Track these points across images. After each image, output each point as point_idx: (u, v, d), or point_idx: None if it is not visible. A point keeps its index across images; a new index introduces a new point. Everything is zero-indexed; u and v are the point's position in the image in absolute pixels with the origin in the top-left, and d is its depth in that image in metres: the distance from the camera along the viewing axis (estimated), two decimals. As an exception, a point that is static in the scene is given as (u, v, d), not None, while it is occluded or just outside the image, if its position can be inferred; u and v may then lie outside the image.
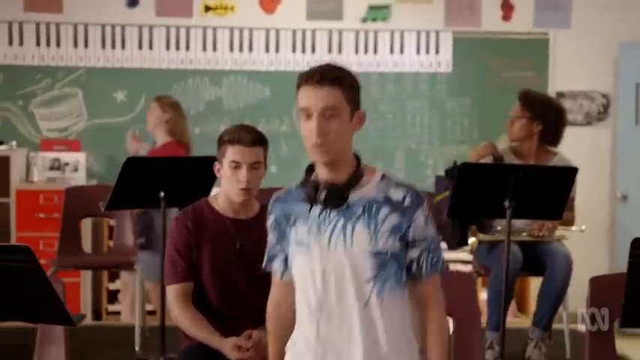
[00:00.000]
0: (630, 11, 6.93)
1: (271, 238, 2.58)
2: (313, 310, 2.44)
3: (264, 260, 2.61)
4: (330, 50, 6.86)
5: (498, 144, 4.95)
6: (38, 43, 6.73)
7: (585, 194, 5.13)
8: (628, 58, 6.83)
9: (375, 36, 6.93)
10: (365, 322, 2.40)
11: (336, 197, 2.40)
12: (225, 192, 3.30)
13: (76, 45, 6.76)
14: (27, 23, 6.73)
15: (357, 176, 2.43)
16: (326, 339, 2.43)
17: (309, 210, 2.44)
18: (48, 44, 6.74)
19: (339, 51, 6.89)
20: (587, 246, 5.48)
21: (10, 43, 6.72)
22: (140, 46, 6.81)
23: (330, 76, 2.38)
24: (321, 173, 2.44)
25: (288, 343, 2.54)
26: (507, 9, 6.98)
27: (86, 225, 6.18)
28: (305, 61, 6.75)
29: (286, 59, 6.87)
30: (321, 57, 6.76)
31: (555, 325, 4.62)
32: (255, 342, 3.13)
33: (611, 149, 7.02)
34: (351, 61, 6.82)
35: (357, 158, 2.48)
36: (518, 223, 4.41)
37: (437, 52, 6.95)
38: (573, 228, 4.67)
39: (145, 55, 6.81)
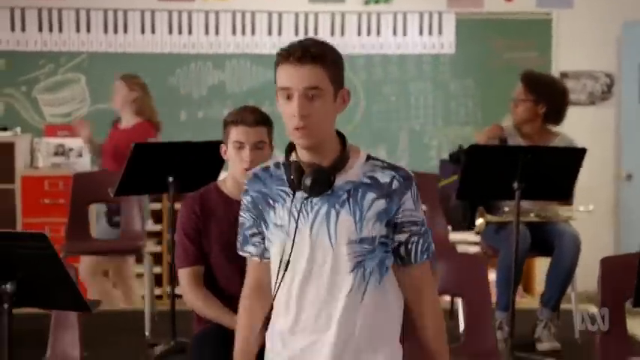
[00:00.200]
0: (633, -9, 6.93)
1: (247, 218, 2.39)
2: (293, 295, 2.30)
3: (239, 242, 2.44)
4: (332, 33, 6.84)
5: (502, 123, 4.94)
6: (40, 29, 6.72)
7: (590, 174, 5.13)
8: (631, 37, 6.81)
9: (377, 18, 6.91)
10: (346, 309, 2.27)
11: (322, 184, 2.23)
12: (233, 174, 3.29)
13: (78, 30, 6.75)
14: (29, 9, 6.71)
15: (343, 159, 2.27)
16: (304, 324, 2.30)
17: (292, 194, 2.27)
18: (50, 30, 6.73)
19: (342, 33, 6.87)
20: (592, 226, 5.48)
21: (13, 29, 6.71)
22: (142, 31, 6.79)
23: (312, 53, 2.21)
24: (303, 155, 2.27)
25: (268, 330, 2.39)
26: (510, -11, 6.97)
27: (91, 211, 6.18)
28: (308, 44, 6.71)
29: (289, 42, 6.82)
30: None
31: (564, 305, 4.64)
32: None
33: (615, 128, 7.02)
34: (354, 43, 6.82)
35: (342, 137, 2.32)
36: (525, 203, 4.39)
37: (440, 33, 6.93)
38: (581, 208, 4.67)
39: (147, 40, 6.80)
